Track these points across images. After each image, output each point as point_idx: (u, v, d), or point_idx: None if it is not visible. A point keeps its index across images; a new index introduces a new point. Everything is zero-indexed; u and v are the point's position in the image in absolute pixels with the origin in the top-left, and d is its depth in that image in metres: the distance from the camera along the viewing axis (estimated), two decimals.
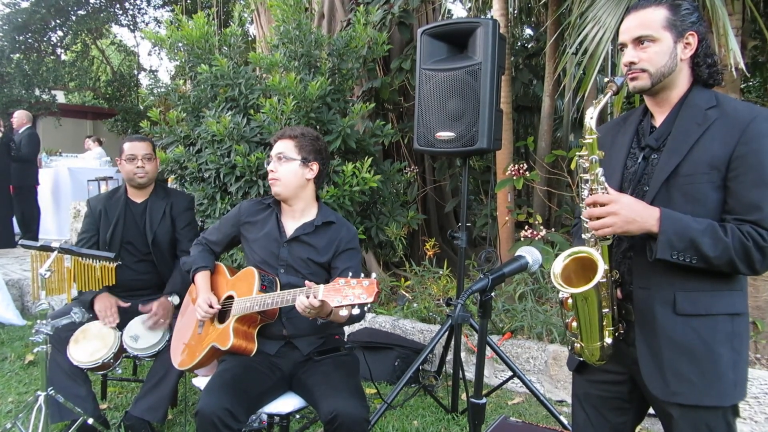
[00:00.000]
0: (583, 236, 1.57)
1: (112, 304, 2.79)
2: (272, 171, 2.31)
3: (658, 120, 1.62)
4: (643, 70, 1.53)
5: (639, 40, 1.54)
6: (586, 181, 1.52)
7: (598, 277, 1.44)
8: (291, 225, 2.36)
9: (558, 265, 1.53)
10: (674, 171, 1.50)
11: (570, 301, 1.54)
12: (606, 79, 1.56)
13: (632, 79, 1.55)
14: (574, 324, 1.58)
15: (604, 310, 1.55)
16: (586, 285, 1.45)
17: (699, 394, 1.48)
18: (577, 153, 1.55)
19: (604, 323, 1.56)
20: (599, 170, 1.50)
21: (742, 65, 2.98)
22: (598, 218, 1.49)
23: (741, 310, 1.53)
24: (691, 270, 1.46)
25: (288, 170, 2.30)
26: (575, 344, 1.61)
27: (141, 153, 2.89)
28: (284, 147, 2.32)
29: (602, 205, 1.49)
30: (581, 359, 1.64)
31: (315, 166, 2.34)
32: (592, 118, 1.50)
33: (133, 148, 2.89)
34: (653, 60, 1.53)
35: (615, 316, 1.58)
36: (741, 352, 1.52)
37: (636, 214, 1.46)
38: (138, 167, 2.89)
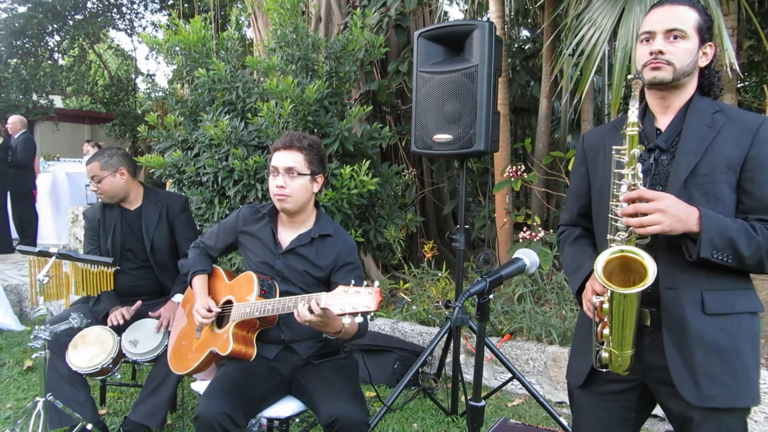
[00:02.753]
0: (609, 236, 1.53)
1: (123, 311, 2.79)
2: (281, 187, 2.21)
3: (662, 122, 1.63)
4: (669, 63, 1.53)
5: (671, 32, 1.54)
6: (622, 176, 1.49)
7: (651, 278, 1.38)
8: (287, 236, 2.33)
9: (600, 261, 1.46)
10: (692, 171, 1.51)
11: (606, 305, 1.48)
12: (629, 76, 1.55)
13: (655, 68, 1.54)
14: (605, 331, 1.51)
15: None
16: (631, 287, 1.40)
17: (733, 397, 1.47)
18: (614, 147, 1.52)
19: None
20: (639, 165, 1.47)
21: (736, 66, 3.00)
22: (643, 215, 1.44)
23: (758, 308, 1.55)
24: (714, 269, 1.47)
25: (299, 186, 2.22)
26: (602, 353, 1.54)
27: (90, 176, 2.89)
28: (294, 161, 2.22)
29: (647, 201, 1.45)
30: (606, 369, 1.56)
31: (320, 179, 2.31)
32: (636, 107, 1.47)
33: (86, 172, 2.91)
34: (680, 56, 1.53)
35: None
36: (759, 350, 1.54)
37: (682, 213, 1.45)
38: (93, 190, 2.91)
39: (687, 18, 1.54)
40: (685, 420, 1.53)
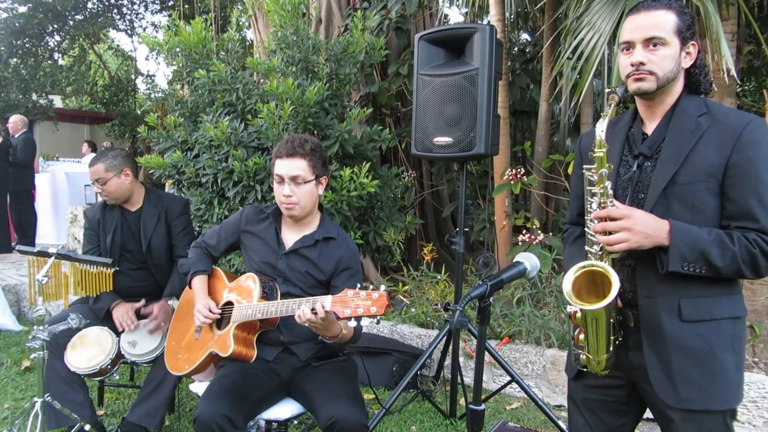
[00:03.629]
0: (587, 248, 1.56)
1: (128, 309, 2.77)
2: (289, 196, 2.21)
3: (649, 127, 1.62)
4: (651, 73, 1.51)
5: (650, 41, 1.51)
6: (594, 194, 1.51)
7: (613, 295, 1.41)
8: (291, 237, 2.33)
9: (569, 278, 1.50)
10: (672, 180, 1.51)
11: (579, 314, 1.51)
12: (607, 90, 1.54)
13: (638, 80, 1.52)
14: (581, 336, 1.56)
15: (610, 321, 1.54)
16: (598, 301, 1.44)
17: (709, 399, 1.49)
18: (585, 167, 1.53)
19: (612, 337, 1.55)
20: (608, 183, 1.49)
21: (734, 72, 3.01)
22: (611, 232, 1.47)
23: (741, 312, 1.55)
24: (694, 277, 1.47)
25: (306, 192, 2.23)
26: (581, 356, 1.59)
27: (94, 178, 2.85)
28: (299, 168, 2.20)
29: (615, 219, 1.47)
30: (585, 369, 1.62)
31: (324, 180, 2.31)
32: (603, 131, 1.47)
33: (90, 174, 2.86)
34: (662, 63, 1.51)
35: (616, 324, 1.58)
36: (741, 353, 1.54)
37: (650, 228, 1.46)
38: (97, 191, 2.88)
39: (665, 23, 1.51)
40: (667, 420, 1.56)
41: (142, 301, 2.84)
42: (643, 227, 1.45)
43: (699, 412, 1.50)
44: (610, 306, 1.48)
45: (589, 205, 1.54)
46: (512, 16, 6.15)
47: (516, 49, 6.66)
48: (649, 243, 1.46)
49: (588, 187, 1.53)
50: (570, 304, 1.51)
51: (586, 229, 1.56)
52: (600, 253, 1.53)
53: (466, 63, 2.87)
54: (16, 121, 7.22)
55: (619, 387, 1.66)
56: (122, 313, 2.76)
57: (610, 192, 1.49)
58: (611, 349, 1.56)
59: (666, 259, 1.46)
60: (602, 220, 1.50)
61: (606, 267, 1.48)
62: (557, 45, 4.57)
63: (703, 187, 1.49)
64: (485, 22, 5.33)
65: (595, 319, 1.50)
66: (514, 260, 1.69)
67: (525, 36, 7.32)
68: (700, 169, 1.49)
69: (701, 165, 1.49)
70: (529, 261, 1.67)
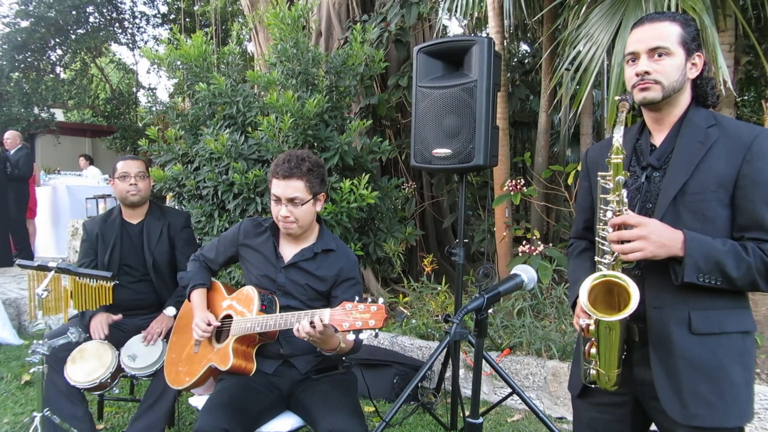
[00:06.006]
0: (597, 258, 1.54)
1: (103, 319, 2.78)
2: (287, 216, 2.20)
3: (657, 138, 1.62)
4: (657, 82, 1.52)
5: (655, 51, 1.53)
6: (608, 202, 1.50)
7: (633, 305, 1.39)
8: (289, 250, 2.33)
9: (585, 288, 1.47)
10: (681, 189, 1.50)
11: (592, 327, 1.49)
12: (616, 98, 1.54)
13: (643, 89, 1.54)
14: (593, 350, 1.53)
15: None
16: (614, 313, 1.42)
17: (719, 416, 1.46)
18: (600, 174, 1.52)
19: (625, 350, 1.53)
20: (624, 191, 1.48)
21: (730, 84, 3.03)
22: (626, 241, 1.45)
23: (751, 327, 1.53)
24: (704, 289, 1.45)
25: (303, 212, 2.22)
26: (590, 371, 1.56)
27: (134, 171, 2.88)
28: (296, 190, 2.18)
29: (630, 227, 1.46)
30: (594, 385, 1.59)
31: (322, 197, 2.31)
32: (620, 137, 1.46)
33: (126, 166, 2.89)
34: (667, 73, 1.52)
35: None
36: (751, 370, 1.52)
37: (665, 238, 1.44)
38: (131, 185, 2.88)
39: (669, 34, 1.53)
40: None
41: (119, 316, 2.84)
42: (659, 237, 1.44)
43: (707, 429, 1.47)
44: (625, 318, 1.45)
45: (602, 213, 1.52)
46: (511, 28, 6.19)
47: (515, 60, 6.70)
48: (664, 253, 1.45)
49: (602, 195, 1.52)
50: (586, 316, 1.49)
51: (597, 238, 1.54)
52: (613, 262, 1.50)
53: (464, 75, 2.88)
54: (13, 136, 7.35)
55: (624, 404, 1.63)
56: (97, 322, 2.77)
57: (626, 200, 1.48)
58: (620, 364, 1.53)
59: (681, 270, 1.44)
60: (617, 228, 1.48)
61: (624, 278, 1.45)
62: (556, 56, 4.59)
63: (714, 197, 1.48)
64: (484, 33, 5.37)
65: (610, 332, 1.47)
66: (512, 272, 1.69)
67: (524, 47, 7.37)
68: (710, 179, 1.48)
69: (711, 175, 1.49)
70: (527, 273, 1.67)
